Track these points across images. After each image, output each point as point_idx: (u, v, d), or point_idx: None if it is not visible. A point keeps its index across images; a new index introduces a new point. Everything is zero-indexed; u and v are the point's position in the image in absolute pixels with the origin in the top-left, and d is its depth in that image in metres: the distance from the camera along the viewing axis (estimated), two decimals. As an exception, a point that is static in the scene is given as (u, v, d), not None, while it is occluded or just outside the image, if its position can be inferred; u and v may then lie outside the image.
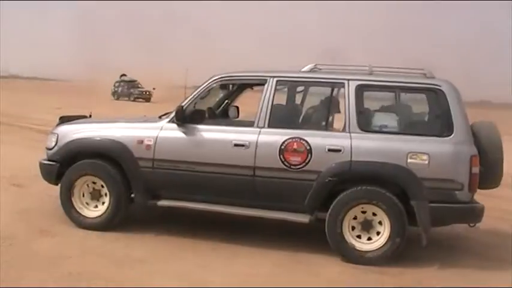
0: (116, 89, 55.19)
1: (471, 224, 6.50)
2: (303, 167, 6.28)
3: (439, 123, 6.28)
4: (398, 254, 6.18)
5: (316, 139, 6.31)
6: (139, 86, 55.07)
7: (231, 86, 7.64)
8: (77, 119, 7.56)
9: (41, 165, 7.16)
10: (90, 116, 7.84)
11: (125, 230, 6.82)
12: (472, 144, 6.21)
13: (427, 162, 6.07)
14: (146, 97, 52.77)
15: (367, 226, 6.26)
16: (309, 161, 6.26)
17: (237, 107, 8.10)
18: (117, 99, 52.69)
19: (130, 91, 53.66)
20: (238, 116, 8.02)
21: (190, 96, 6.84)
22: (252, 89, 7.71)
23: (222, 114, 7.84)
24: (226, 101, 7.94)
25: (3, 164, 10.14)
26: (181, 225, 7.12)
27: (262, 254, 6.37)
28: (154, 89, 52.32)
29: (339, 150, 6.22)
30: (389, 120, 6.47)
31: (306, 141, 6.29)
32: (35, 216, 7.18)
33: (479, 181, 6.72)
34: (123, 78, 55.78)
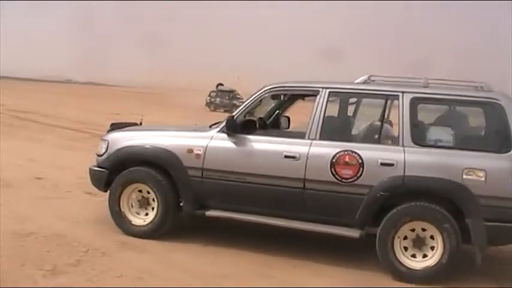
0: (212, 100, 51.27)
1: None
2: (354, 180, 6.16)
3: (497, 138, 6.08)
4: (450, 271, 6.02)
5: (369, 152, 6.20)
6: (239, 96, 50.89)
7: (282, 96, 7.54)
8: (128, 126, 7.58)
9: (91, 171, 7.20)
10: (141, 123, 7.84)
11: (202, 242, 6.82)
12: None
13: (483, 179, 5.89)
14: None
15: (419, 243, 6.10)
16: (361, 174, 6.14)
17: (288, 118, 8.03)
18: (214, 110, 48.34)
19: (233, 102, 48.36)
20: (289, 127, 7.94)
21: (241, 106, 6.79)
22: (304, 99, 7.60)
23: (273, 125, 7.78)
24: (278, 111, 7.86)
25: (76, 171, 10.25)
26: (247, 238, 7.04)
27: (344, 272, 6.28)
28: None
29: (392, 165, 6.08)
30: (445, 135, 6.30)
31: (358, 155, 6.17)
32: (113, 226, 7.09)
33: None
34: (221, 88, 52.86)
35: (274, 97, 7.31)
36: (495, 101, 6.11)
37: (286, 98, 7.71)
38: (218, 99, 51.63)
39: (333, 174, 6.21)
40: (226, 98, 51.11)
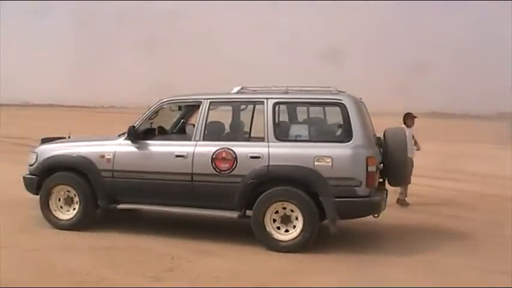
0: None
1: (375, 215, 7.74)
2: (230, 171, 7.59)
3: (341, 131, 7.55)
4: (311, 241, 7.41)
5: (241, 148, 7.64)
6: None
7: (179, 107, 8.90)
8: (57, 139, 9.03)
9: (24, 178, 8.67)
10: (69, 136, 9.28)
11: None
12: (369, 147, 7.44)
13: (330, 164, 7.32)
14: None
15: (286, 220, 7.50)
16: (235, 166, 7.58)
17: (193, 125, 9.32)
18: None
19: None
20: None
21: (141, 117, 8.24)
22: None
23: (178, 131, 9.11)
24: (182, 120, 9.22)
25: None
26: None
27: (400, 261, 7.33)
28: None
29: (259, 157, 7.52)
30: (301, 130, 7.80)
31: (233, 151, 7.62)
32: (181, 236, 8.02)
33: (388, 179, 8.11)
34: None
35: (173, 108, 8.72)
36: (339, 101, 7.56)
37: (186, 108, 9.03)
38: None
39: (214, 168, 7.64)
40: None
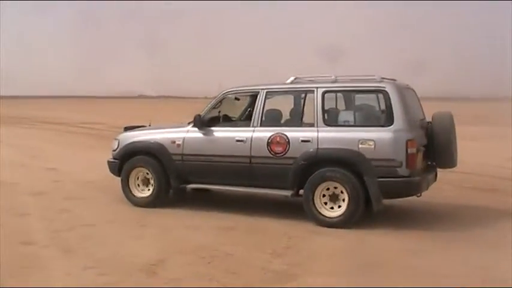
0: None
1: (417, 195, 8.36)
2: (283, 154, 8.44)
3: (383, 116, 8.22)
4: (357, 217, 8.14)
5: (293, 133, 8.47)
6: None
7: (241, 97, 9.79)
8: (137, 127, 10.20)
9: (108, 162, 9.91)
10: (150, 125, 10.42)
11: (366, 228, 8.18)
12: (410, 131, 8.04)
13: (373, 146, 8.01)
14: None
15: (333, 198, 8.25)
16: (288, 149, 8.42)
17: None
18: None
19: None
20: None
21: (206, 107, 9.23)
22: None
23: (246, 119, 9.91)
24: (249, 109, 10.05)
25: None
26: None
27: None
28: None
29: (309, 141, 8.32)
30: (347, 116, 8.53)
31: (286, 135, 8.46)
32: (297, 218, 8.57)
33: (435, 161, 8.72)
34: None
35: (236, 98, 9.67)
36: (382, 88, 8.22)
37: (251, 98, 9.78)
38: None
39: (269, 151, 8.53)
40: None
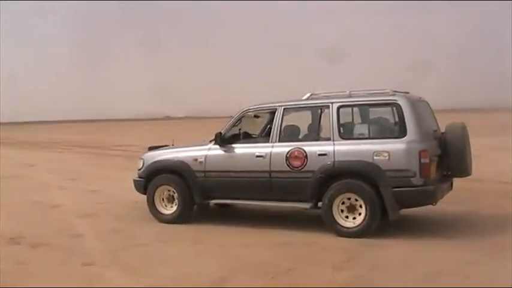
0: None
1: (433, 203, 8.59)
2: (302, 168, 8.76)
3: (396, 128, 8.51)
4: (374, 227, 8.40)
5: (310, 148, 8.79)
6: None
7: (260, 114, 10.15)
8: (161, 147, 10.60)
9: (134, 181, 10.31)
10: (173, 144, 10.80)
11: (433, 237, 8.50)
12: (423, 142, 8.31)
13: (387, 158, 8.29)
14: None
15: (351, 209, 8.53)
16: (306, 163, 8.74)
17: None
18: None
19: None
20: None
21: (227, 125, 9.60)
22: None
23: (266, 135, 10.18)
24: (268, 125, 10.29)
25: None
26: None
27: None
28: None
29: (326, 154, 8.63)
30: (362, 129, 8.83)
31: (304, 150, 8.78)
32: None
33: (450, 170, 8.97)
34: None
35: (255, 116, 10.02)
36: (395, 101, 8.52)
37: (270, 115, 9.95)
38: None
39: (288, 165, 8.85)
40: None
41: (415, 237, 8.44)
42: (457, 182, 9.55)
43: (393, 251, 7.90)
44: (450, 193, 9.24)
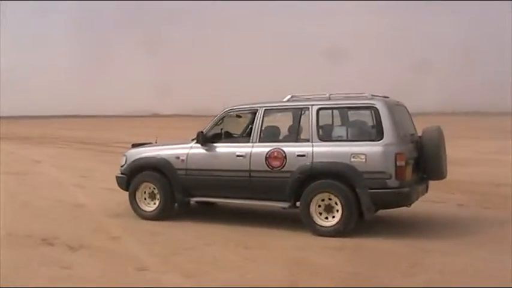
0: None
1: (407, 205, 8.77)
2: (281, 168, 8.93)
3: (373, 131, 8.69)
4: (351, 227, 8.59)
5: (289, 148, 8.96)
6: None
7: (242, 114, 10.28)
8: (144, 144, 10.74)
9: (116, 177, 10.46)
10: (156, 141, 10.94)
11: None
12: (399, 145, 8.51)
13: (364, 160, 8.47)
14: None
15: (328, 208, 8.72)
16: (285, 164, 8.91)
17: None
18: None
19: None
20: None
21: (208, 124, 9.76)
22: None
23: (246, 135, 10.32)
24: (250, 125, 10.49)
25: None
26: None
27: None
28: None
29: (304, 155, 8.80)
30: (340, 132, 9.04)
31: (283, 150, 8.95)
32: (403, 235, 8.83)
33: (426, 173, 9.14)
34: None
35: (237, 116, 10.17)
36: (372, 105, 8.71)
37: (252, 115, 10.09)
38: None
39: (267, 165, 9.03)
40: None
41: (460, 242, 8.42)
42: (488, 187, 9.64)
43: (456, 256, 7.73)
44: (495, 199, 9.30)
